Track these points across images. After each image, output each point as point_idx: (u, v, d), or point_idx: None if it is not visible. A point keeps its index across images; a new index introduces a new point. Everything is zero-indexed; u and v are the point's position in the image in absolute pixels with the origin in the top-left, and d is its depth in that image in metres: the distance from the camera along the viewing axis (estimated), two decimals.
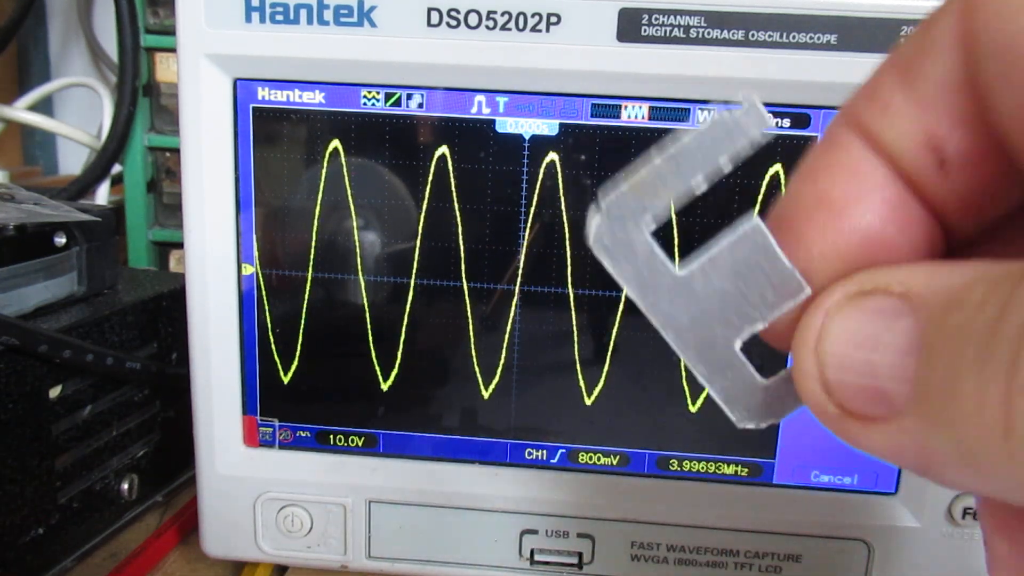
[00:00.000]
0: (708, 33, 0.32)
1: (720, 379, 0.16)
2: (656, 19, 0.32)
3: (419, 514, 0.39)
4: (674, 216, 0.35)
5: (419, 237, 0.36)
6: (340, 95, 0.35)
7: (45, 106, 0.80)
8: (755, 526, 0.37)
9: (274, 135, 0.36)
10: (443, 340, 0.38)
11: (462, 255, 0.36)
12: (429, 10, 0.33)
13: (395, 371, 0.38)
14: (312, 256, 0.37)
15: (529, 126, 0.35)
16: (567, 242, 0.36)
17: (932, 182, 0.14)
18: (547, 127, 0.35)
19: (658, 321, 0.15)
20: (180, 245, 0.49)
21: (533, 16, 0.33)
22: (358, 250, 0.37)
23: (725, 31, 0.32)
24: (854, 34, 0.32)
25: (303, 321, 0.38)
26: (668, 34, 0.32)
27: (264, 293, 0.37)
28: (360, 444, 0.39)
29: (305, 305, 0.37)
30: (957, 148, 0.14)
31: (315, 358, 0.38)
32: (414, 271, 0.37)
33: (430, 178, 0.36)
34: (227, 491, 0.39)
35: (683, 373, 0.37)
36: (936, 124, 0.14)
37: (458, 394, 0.38)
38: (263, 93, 0.35)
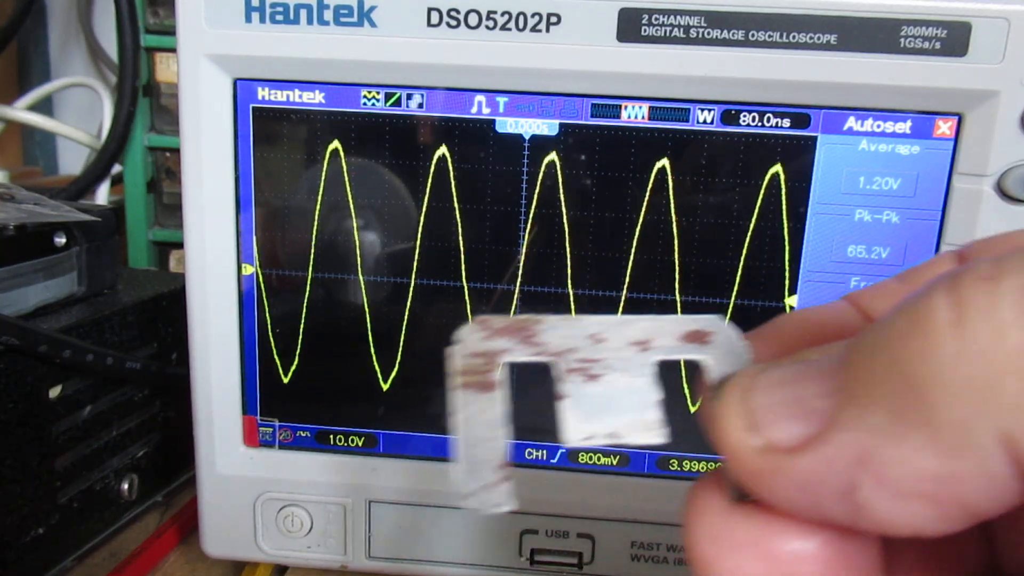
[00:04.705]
0: (708, 33, 0.32)
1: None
2: (656, 19, 0.32)
3: (419, 514, 0.39)
4: (674, 217, 0.35)
5: (419, 237, 0.36)
6: (340, 95, 0.35)
7: (45, 106, 0.80)
8: None
9: (274, 135, 0.36)
10: (443, 340, 0.37)
11: (462, 255, 0.36)
12: (429, 10, 0.33)
13: (395, 371, 0.38)
14: (312, 256, 0.37)
15: (529, 126, 0.35)
16: (567, 242, 0.36)
17: None
18: (547, 127, 0.35)
19: None
20: (180, 245, 0.49)
21: (533, 16, 0.33)
22: (358, 250, 0.37)
23: (725, 31, 0.32)
24: (854, 34, 0.32)
25: (303, 321, 0.38)
26: (668, 34, 0.32)
27: (264, 293, 0.37)
28: (360, 444, 0.39)
29: (305, 305, 0.37)
30: None
31: (315, 358, 0.38)
32: (414, 271, 0.37)
33: (430, 178, 0.36)
34: (227, 491, 0.39)
35: (683, 373, 0.37)
36: None
37: None
38: (263, 93, 0.35)
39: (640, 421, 0.16)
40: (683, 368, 0.37)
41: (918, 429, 0.12)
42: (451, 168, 0.35)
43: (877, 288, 0.17)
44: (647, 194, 0.35)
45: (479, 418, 0.16)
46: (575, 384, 0.16)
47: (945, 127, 0.33)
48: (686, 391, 0.37)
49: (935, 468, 0.12)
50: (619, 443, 0.16)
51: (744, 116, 0.34)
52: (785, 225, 0.35)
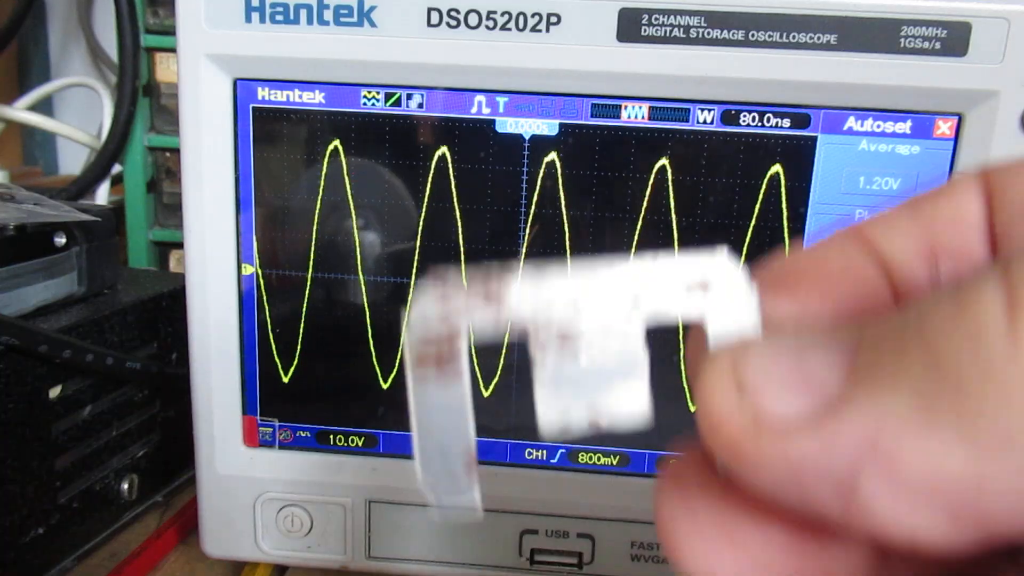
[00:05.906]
0: (708, 33, 0.32)
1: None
2: (656, 19, 0.32)
3: (419, 514, 0.39)
4: (674, 217, 0.35)
5: (419, 237, 0.36)
6: (340, 95, 0.35)
7: (45, 106, 0.80)
8: None
9: (274, 135, 0.36)
10: None
11: (462, 255, 0.36)
12: (429, 10, 0.33)
13: (395, 371, 0.38)
14: (312, 256, 0.37)
15: (529, 126, 0.35)
16: (567, 242, 0.36)
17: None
18: (547, 127, 0.35)
19: None
20: (180, 245, 0.49)
21: (533, 16, 0.33)
22: (358, 250, 0.37)
23: (725, 31, 0.32)
24: (854, 34, 0.32)
25: (303, 321, 0.38)
26: (668, 34, 0.32)
27: (264, 293, 0.37)
28: (360, 444, 0.39)
29: (305, 305, 0.37)
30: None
31: (315, 358, 0.38)
32: (414, 271, 0.37)
33: (430, 178, 0.36)
34: (227, 491, 0.39)
35: (683, 373, 0.37)
36: (940, 238, 0.15)
37: None
38: (263, 93, 0.35)
39: (624, 404, 0.13)
40: (682, 367, 0.37)
41: (951, 421, 0.10)
42: (451, 168, 0.35)
43: (884, 221, 0.15)
44: (647, 194, 0.35)
45: (440, 402, 0.14)
46: (548, 362, 0.13)
47: (945, 127, 0.33)
48: (686, 390, 0.37)
49: (961, 469, 0.10)
50: (599, 432, 0.14)
51: (744, 116, 0.34)
52: (785, 225, 0.35)
